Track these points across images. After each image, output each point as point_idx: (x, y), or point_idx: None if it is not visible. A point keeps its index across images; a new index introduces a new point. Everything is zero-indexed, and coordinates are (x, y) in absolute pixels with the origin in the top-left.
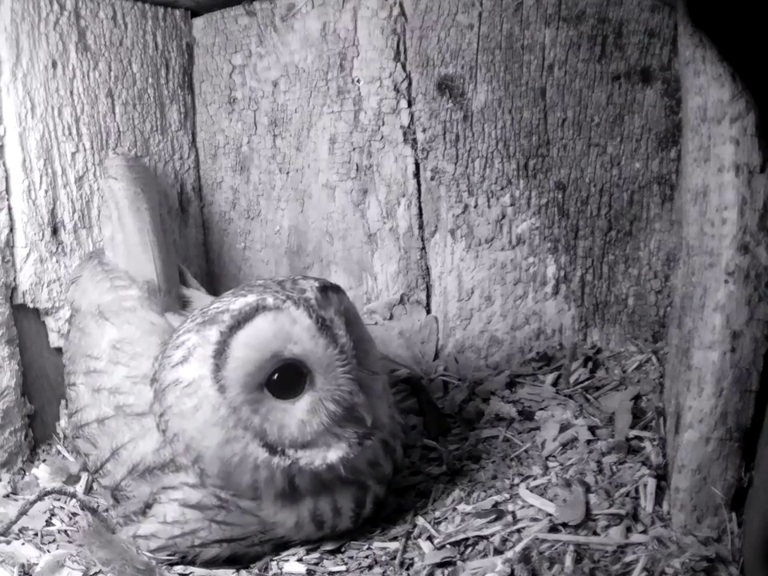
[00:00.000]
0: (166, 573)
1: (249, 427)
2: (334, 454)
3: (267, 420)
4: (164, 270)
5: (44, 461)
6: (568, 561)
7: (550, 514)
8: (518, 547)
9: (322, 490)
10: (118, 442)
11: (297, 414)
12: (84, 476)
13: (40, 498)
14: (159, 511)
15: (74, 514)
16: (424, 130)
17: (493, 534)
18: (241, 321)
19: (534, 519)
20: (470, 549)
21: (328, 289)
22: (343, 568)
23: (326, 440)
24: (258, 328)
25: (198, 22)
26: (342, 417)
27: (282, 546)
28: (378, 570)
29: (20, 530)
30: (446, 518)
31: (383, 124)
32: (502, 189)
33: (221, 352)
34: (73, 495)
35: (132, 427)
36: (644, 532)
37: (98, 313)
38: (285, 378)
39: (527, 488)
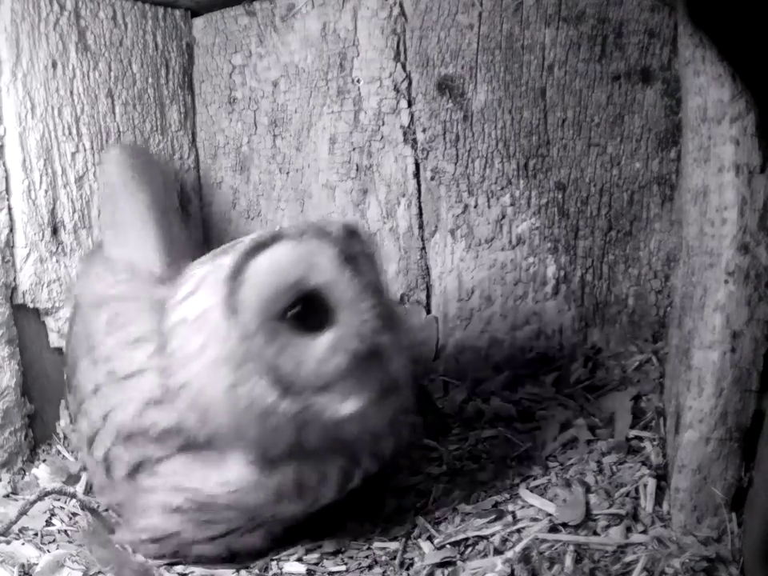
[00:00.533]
0: (165, 573)
1: (261, 359)
2: (349, 405)
3: (282, 354)
4: (165, 244)
5: (44, 461)
6: (568, 561)
7: (550, 514)
8: (518, 547)
9: (312, 455)
10: (107, 408)
11: (316, 352)
12: (84, 476)
13: (40, 498)
14: (147, 503)
15: (74, 514)
16: (424, 130)
17: (493, 534)
18: (259, 247)
19: (534, 519)
20: (469, 549)
21: (353, 231)
22: (343, 568)
23: (344, 388)
24: (279, 253)
25: (198, 22)
26: (364, 359)
27: (275, 538)
28: (377, 569)
29: (20, 530)
30: (446, 518)
31: (383, 124)
32: (502, 189)
33: (236, 276)
34: (73, 495)
35: (119, 391)
36: (644, 532)
37: (97, 304)
38: (306, 313)
39: (527, 488)
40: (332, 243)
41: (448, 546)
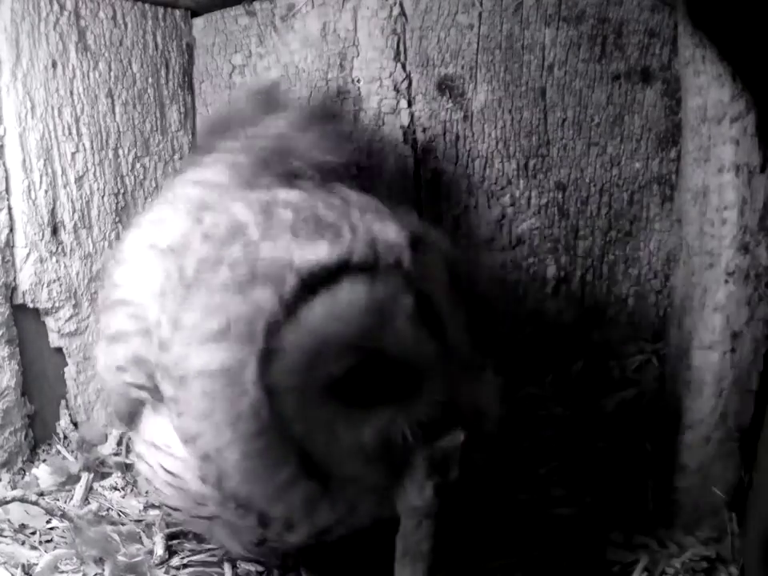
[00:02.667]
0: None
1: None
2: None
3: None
4: None
5: (44, 461)
6: None
7: None
8: None
9: None
10: None
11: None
12: (84, 476)
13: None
14: None
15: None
16: (424, 130)
17: None
18: (317, 282)
19: None
20: None
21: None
22: None
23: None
24: (345, 298)
25: (198, 22)
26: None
27: None
28: None
29: (20, 530)
30: None
31: (383, 124)
32: (501, 189)
33: (277, 329)
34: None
35: None
36: (644, 532)
37: None
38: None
39: None
40: (407, 283)
41: None
